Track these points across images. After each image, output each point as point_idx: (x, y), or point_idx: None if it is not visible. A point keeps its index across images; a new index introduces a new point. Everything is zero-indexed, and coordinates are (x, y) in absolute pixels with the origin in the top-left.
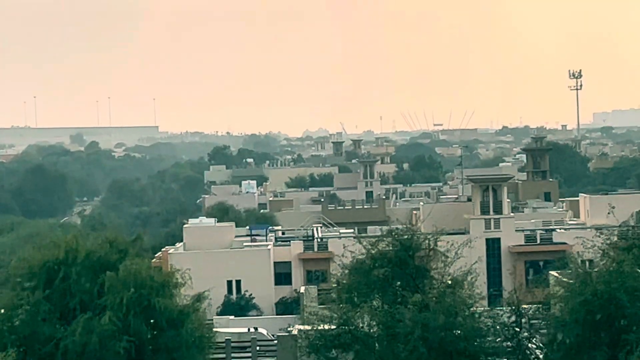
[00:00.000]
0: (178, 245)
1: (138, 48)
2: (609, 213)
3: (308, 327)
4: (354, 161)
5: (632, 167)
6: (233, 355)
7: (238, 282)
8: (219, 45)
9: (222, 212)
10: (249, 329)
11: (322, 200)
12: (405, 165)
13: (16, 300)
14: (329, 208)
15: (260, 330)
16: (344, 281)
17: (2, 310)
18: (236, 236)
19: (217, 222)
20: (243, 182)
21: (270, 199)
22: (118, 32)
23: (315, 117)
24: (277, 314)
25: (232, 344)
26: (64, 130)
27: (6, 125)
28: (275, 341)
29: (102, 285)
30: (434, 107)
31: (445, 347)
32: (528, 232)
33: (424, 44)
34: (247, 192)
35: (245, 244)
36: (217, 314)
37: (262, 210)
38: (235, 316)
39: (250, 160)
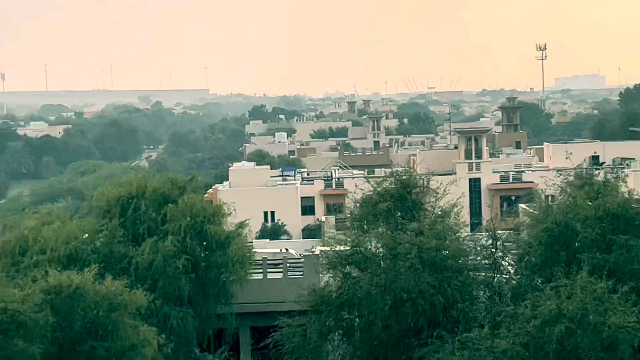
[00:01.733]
0: (225, 183)
1: (194, 23)
2: (567, 158)
3: (327, 248)
4: (364, 117)
5: (586, 122)
6: (268, 270)
7: (272, 212)
8: (257, 21)
9: (260, 158)
10: (281, 250)
11: (339, 148)
12: (405, 120)
13: (97, 227)
14: (345, 154)
15: (290, 250)
16: (356, 212)
17: (87, 235)
18: (271, 176)
19: (256, 165)
20: (276, 134)
21: (298, 147)
22: (180, 8)
23: (333, 82)
24: (303, 238)
25: (268, 262)
26: (134, 92)
27: (89, 88)
28: (302, 259)
29: (165, 215)
30: (429, 73)
31: (436, 264)
32: (502, 173)
33: (424, 18)
34: (279, 142)
35: (278, 182)
36: (256, 238)
37: (291, 156)
38: (270, 240)
39: (282, 116)
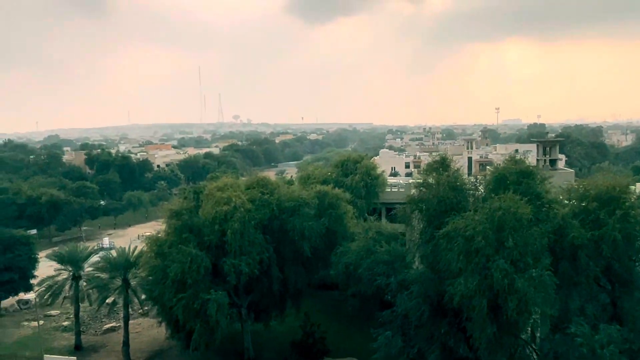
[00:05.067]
0: (378, 157)
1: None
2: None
3: (413, 180)
4: (429, 133)
5: (514, 136)
6: (392, 187)
7: (394, 167)
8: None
9: (389, 147)
10: (398, 181)
11: (418, 144)
12: (444, 135)
13: (331, 171)
14: (421, 147)
15: (400, 180)
16: (424, 168)
17: (329, 173)
18: (394, 154)
19: (388, 149)
20: (397, 139)
21: (403, 144)
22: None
23: (420, 117)
24: (405, 176)
25: (393, 185)
26: (346, 123)
27: (331, 121)
28: (404, 184)
29: (356, 167)
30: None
31: (454, 187)
32: (480, 154)
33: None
34: (397, 141)
35: (396, 156)
36: (388, 176)
37: (400, 147)
38: (393, 177)
39: (398, 132)
